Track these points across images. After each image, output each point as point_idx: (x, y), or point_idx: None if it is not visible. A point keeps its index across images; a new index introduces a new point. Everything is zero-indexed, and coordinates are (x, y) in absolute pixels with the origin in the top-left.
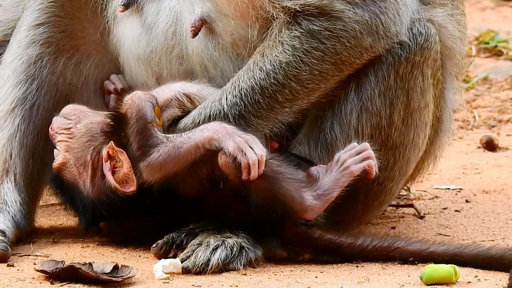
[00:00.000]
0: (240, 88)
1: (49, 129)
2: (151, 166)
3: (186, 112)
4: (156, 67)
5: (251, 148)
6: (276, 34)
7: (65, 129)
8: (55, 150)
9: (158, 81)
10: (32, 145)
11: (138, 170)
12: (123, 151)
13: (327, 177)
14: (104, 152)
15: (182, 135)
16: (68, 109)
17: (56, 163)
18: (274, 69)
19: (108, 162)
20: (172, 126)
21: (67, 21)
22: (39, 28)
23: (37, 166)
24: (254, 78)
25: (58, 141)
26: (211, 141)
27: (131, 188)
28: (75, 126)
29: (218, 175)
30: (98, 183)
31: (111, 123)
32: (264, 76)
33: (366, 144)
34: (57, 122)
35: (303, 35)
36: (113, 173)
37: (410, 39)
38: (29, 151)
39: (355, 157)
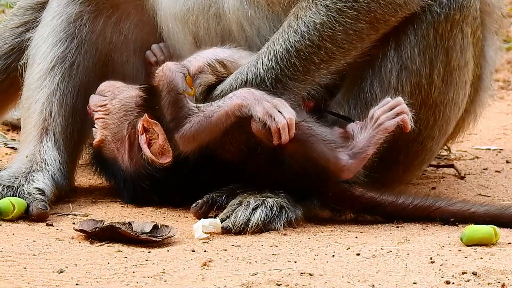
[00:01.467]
0: (275, 51)
1: (87, 107)
2: (185, 137)
3: (220, 78)
4: (193, 26)
5: (280, 112)
6: None
7: (101, 106)
8: (93, 128)
9: (195, 41)
10: (72, 104)
11: (173, 141)
12: (157, 122)
13: (362, 135)
14: (139, 125)
15: (213, 104)
16: (103, 86)
17: (95, 141)
18: (309, 30)
19: (144, 134)
20: (208, 93)
21: None
22: None
23: (76, 125)
24: (289, 41)
25: (96, 119)
26: (240, 108)
27: (168, 159)
28: (110, 102)
29: (253, 141)
30: (135, 157)
31: (145, 96)
32: (299, 38)
33: (399, 99)
34: (93, 100)
35: None
36: (149, 145)
37: None
38: (69, 110)
39: (389, 112)
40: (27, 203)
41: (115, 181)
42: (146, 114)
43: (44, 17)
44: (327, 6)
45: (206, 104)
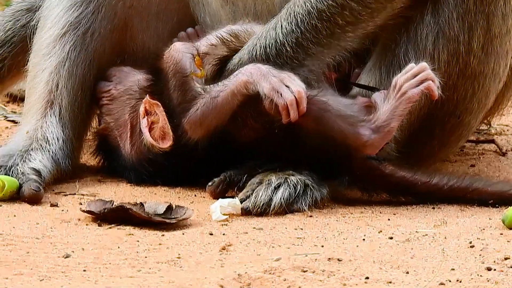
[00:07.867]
0: (295, 13)
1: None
2: (191, 122)
3: (233, 50)
4: None
5: (287, 86)
6: None
7: (105, 91)
8: (97, 115)
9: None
10: (83, 76)
11: (182, 127)
12: (158, 103)
13: (385, 106)
14: (141, 108)
15: (219, 84)
16: (110, 71)
17: (98, 128)
18: None
19: (146, 118)
20: (223, 67)
21: None
22: None
23: (86, 99)
24: (310, 1)
25: (100, 105)
26: (246, 85)
27: (168, 143)
28: (114, 88)
29: (267, 119)
30: (137, 143)
31: (150, 78)
32: None
33: (424, 64)
34: (99, 86)
35: None
36: (150, 129)
37: None
38: (79, 82)
39: (412, 80)
40: (19, 183)
41: (119, 170)
42: (147, 95)
43: None
44: None
45: (212, 85)
